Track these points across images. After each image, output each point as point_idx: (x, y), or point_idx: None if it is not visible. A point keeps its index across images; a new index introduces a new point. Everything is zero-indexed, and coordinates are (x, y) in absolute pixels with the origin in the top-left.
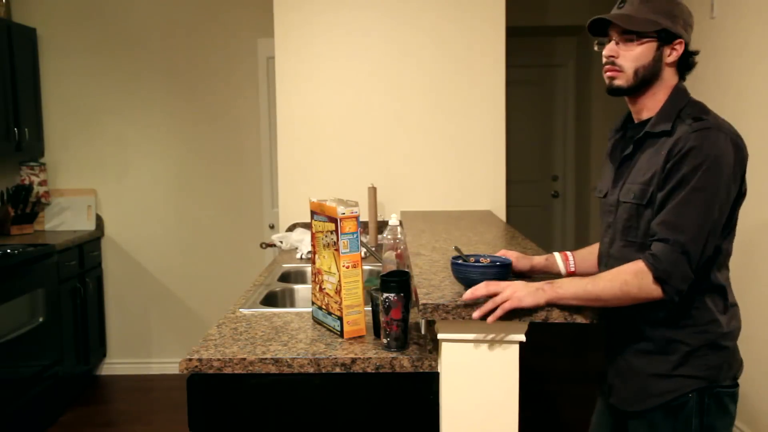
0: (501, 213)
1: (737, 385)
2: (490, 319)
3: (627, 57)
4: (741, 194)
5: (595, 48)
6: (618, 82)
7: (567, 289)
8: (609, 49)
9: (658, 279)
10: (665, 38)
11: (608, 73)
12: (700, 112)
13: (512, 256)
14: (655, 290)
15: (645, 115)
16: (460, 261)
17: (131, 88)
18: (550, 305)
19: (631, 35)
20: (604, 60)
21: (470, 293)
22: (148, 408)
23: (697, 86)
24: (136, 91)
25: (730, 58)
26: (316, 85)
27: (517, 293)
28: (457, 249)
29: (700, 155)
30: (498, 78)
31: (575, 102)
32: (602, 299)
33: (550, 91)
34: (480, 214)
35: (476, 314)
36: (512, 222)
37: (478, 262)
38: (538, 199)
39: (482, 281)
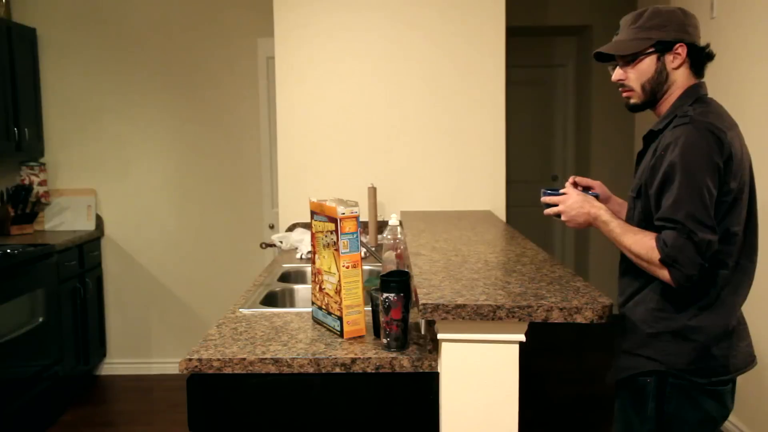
0: (501, 213)
1: (721, 383)
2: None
3: (632, 78)
4: (729, 191)
5: (610, 72)
6: (633, 101)
7: (612, 218)
8: (616, 74)
9: (663, 262)
10: (663, 48)
11: (623, 95)
12: (690, 109)
13: (596, 184)
14: (661, 273)
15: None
16: (548, 190)
17: (131, 88)
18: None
19: (628, 57)
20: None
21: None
22: (148, 408)
23: None
24: (136, 91)
25: (730, 58)
26: (316, 85)
27: (570, 213)
28: (553, 178)
29: (675, 150)
30: (498, 78)
31: (575, 102)
32: (623, 246)
33: (550, 91)
34: (480, 214)
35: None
36: (512, 222)
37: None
38: (538, 199)
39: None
